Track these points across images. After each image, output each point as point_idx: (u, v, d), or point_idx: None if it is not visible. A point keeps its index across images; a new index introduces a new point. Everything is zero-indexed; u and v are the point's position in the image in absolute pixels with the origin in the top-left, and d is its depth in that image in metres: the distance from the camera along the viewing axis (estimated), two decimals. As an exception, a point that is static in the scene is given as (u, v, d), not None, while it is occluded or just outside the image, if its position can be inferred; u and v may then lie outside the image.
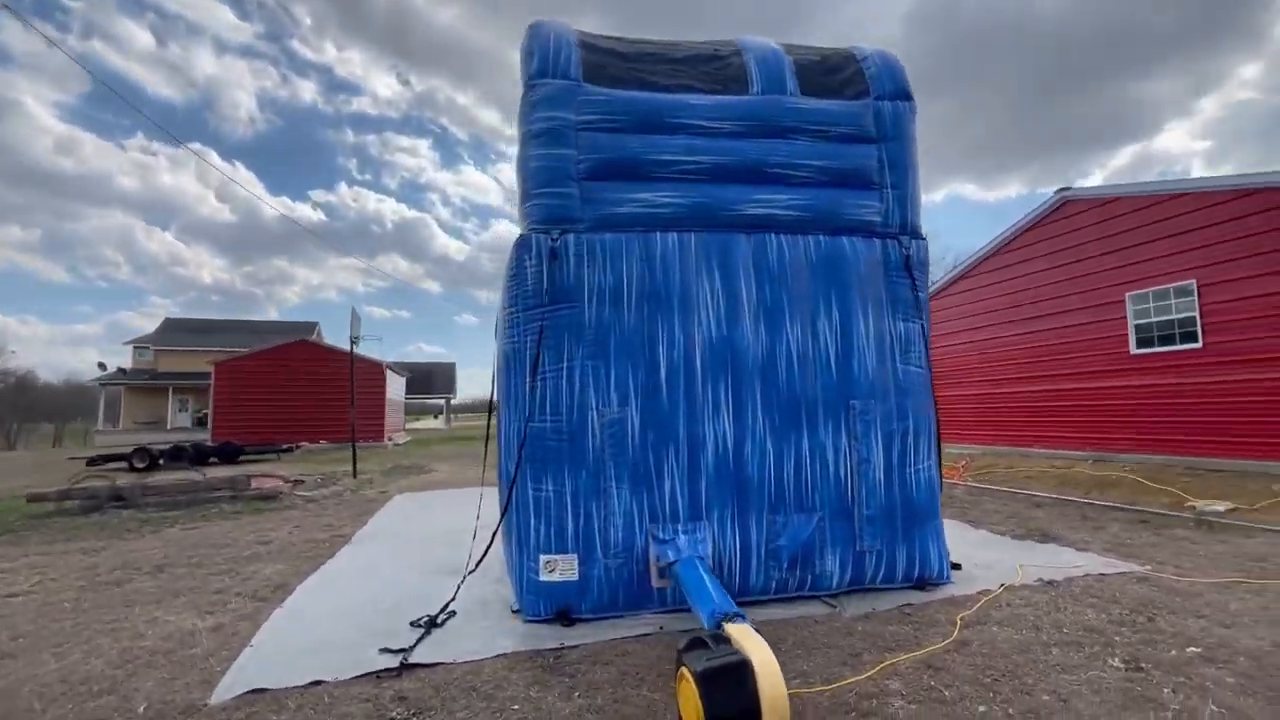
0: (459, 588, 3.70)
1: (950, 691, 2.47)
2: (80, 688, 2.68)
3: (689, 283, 3.56)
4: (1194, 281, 7.01)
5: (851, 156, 3.82)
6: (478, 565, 4.04)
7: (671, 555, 3.23)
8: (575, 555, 3.33)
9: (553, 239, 3.44)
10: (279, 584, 4.18)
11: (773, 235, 3.70)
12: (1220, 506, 5.65)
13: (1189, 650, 2.77)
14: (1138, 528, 5.35)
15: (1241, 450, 6.69)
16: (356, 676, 2.72)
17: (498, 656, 2.91)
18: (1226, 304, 6.79)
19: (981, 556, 4.37)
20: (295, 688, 2.63)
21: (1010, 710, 2.32)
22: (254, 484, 8.78)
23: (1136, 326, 7.68)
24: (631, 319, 3.48)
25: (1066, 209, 8.54)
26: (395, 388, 26.20)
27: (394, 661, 2.83)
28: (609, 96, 3.56)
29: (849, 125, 3.83)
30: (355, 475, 11.01)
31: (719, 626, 2.45)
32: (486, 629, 3.24)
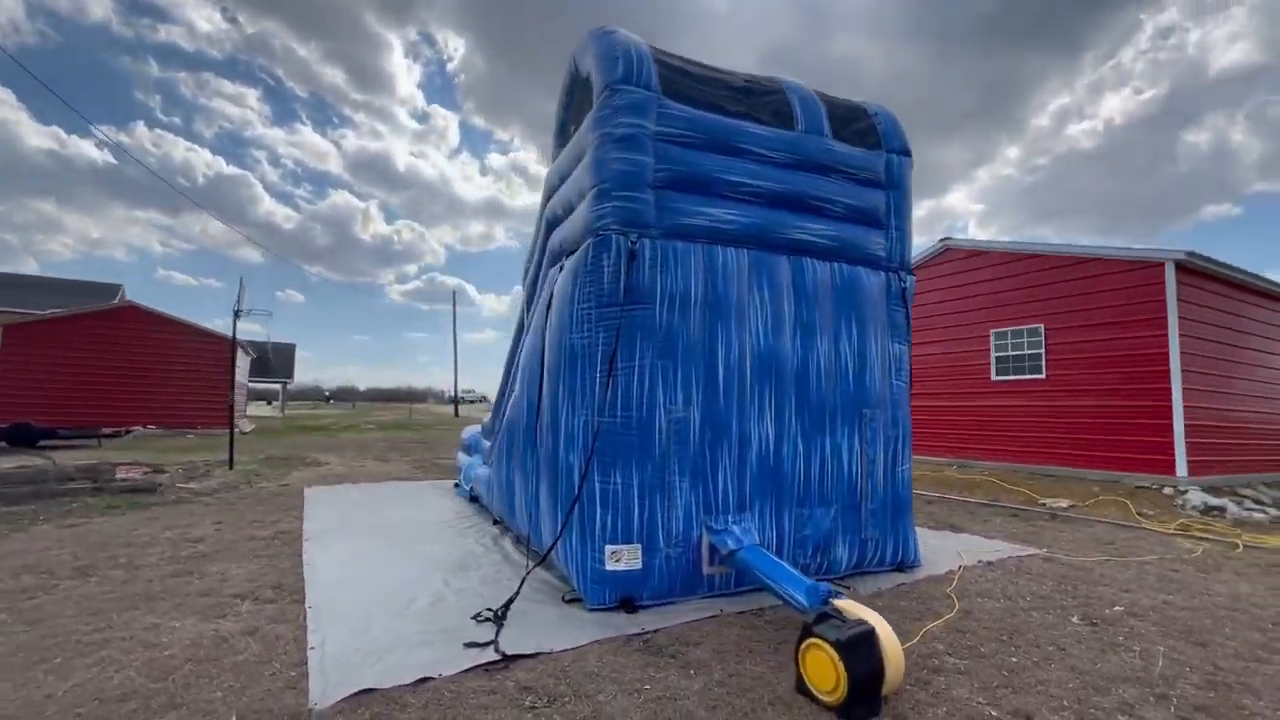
0: (523, 582, 3.62)
1: (984, 648, 3.06)
2: (128, 704, 2.32)
3: (742, 296, 3.88)
4: (1043, 325, 8.84)
5: (869, 198, 4.41)
6: (543, 559, 3.91)
7: (732, 544, 3.52)
8: (639, 545, 3.49)
9: (631, 241, 3.58)
10: (274, 584, 3.78)
11: (809, 260, 4.15)
12: (1063, 503, 7.19)
13: (1116, 609, 3.66)
14: (1011, 520, 6.63)
15: (1069, 460, 8.55)
16: (464, 671, 2.67)
17: (594, 643, 3.00)
18: (1063, 345, 8.65)
19: (922, 545, 5.21)
20: (404, 686, 2.52)
21: (1032, 659, 2.94)
22: (120, 474, 7.46)
23: (997, 358, 9.45)
24: (696, 324, 3.72)
25: (948, 254, 10.25)
26: (242, 369, 23.14)
27: (486, 655, 2.80)
28: (688, 114, 3.78)
29: (869, 171, 4.41)
30: (232, 466, 9.72)
31: (826, 601, 2.81)
32: (558, 619, 3.28)
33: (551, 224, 4.56)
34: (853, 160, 4.34)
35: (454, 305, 50.41)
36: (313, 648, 2.85)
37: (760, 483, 3.84)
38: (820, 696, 2.50)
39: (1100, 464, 8.22)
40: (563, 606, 3.47)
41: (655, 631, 3.19)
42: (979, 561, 4.70)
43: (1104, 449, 8.20)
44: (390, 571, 4.09)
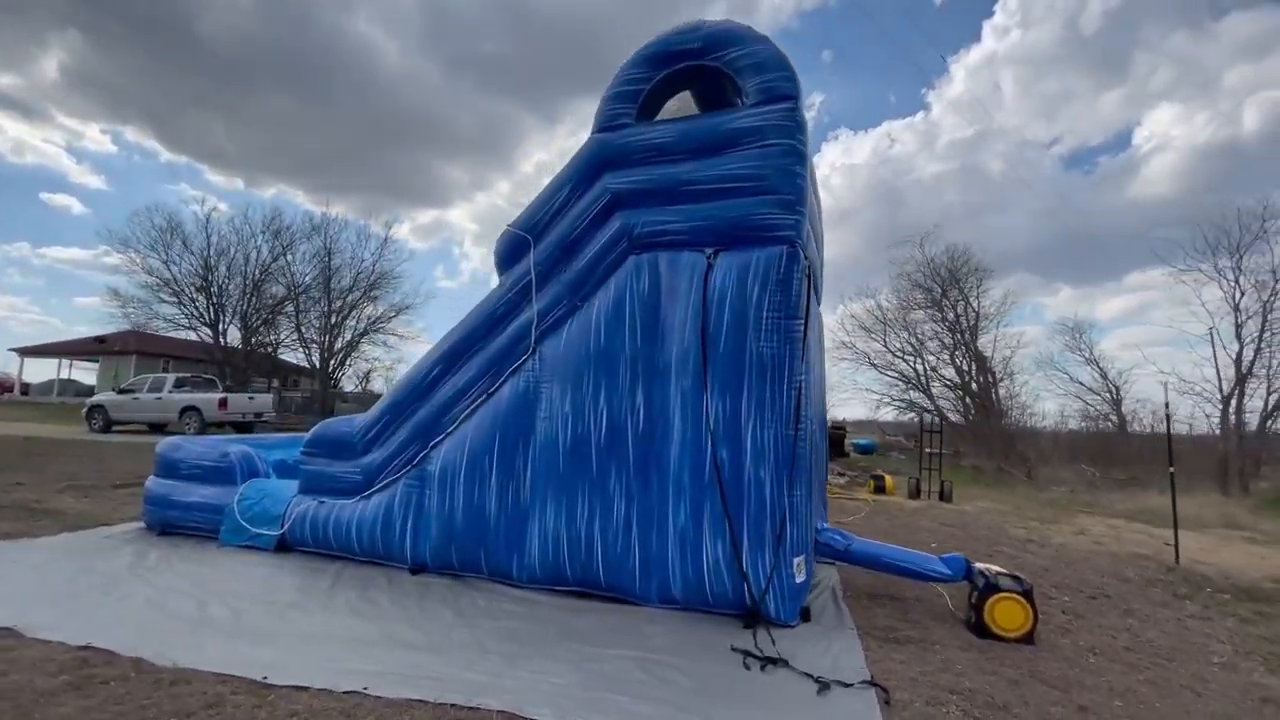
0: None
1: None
2: None
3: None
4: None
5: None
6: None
7: (843, 540, 3.99)
8: (804, 555, 3.58)
9: (806, 256, 3.66)
10: None
11: (817, 295, 4.94)
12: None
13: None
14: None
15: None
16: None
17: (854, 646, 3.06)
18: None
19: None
20: None
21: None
22: None
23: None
24: (811, 346, 4.02)
25: None
26: None
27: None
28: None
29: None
30: None
31: (969, 569, 3.73)
32: (812, 633, 3.08)
33: (628, 197, 3.89)
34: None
35: None
36: None
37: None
38: (1004, 634, 3.43)
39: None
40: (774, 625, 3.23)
41: (894, 628, 3.44)
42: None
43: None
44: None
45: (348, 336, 26.07)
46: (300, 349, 26.15)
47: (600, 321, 3.80)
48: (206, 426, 15.62)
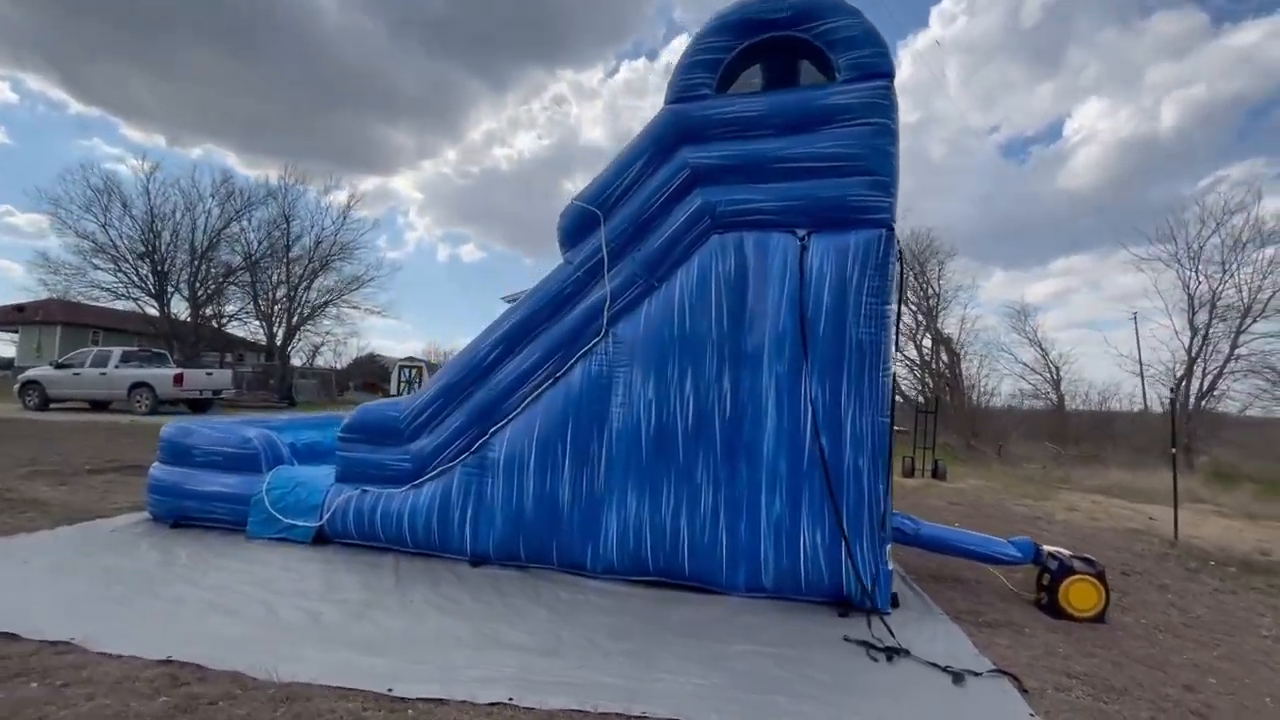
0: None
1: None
2: None
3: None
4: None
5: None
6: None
7: (912, 525, 4.01)
8: (891, 542, 3.57)
9: (899, 244, 3.59)
10: None
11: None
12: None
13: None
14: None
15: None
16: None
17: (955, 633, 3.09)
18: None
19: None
20: None
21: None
22: None
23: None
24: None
25: None
26: None
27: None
28: (901, 131, 3.97)
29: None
30: None
31: (1039, 551, 3.83)
32: (907, 620, 3.08)
33: (710, 173, 3.72)
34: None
35: None
36: None
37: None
38: (1077, 613, 3.54)
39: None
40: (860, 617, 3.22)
41: (984, 615, 3.48)
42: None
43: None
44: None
45: (307, 310, 24.70)
46: (257, 322, 24.65)
47: (684, 304, 3.64)
48: (159, 404, 14.61)
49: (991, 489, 9.15)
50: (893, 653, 2.81)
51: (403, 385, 37.88)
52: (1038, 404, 21.07)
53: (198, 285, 22.84)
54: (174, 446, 4.67)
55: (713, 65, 3.79)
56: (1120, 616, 3.70)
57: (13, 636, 2.59)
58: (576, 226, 3.97)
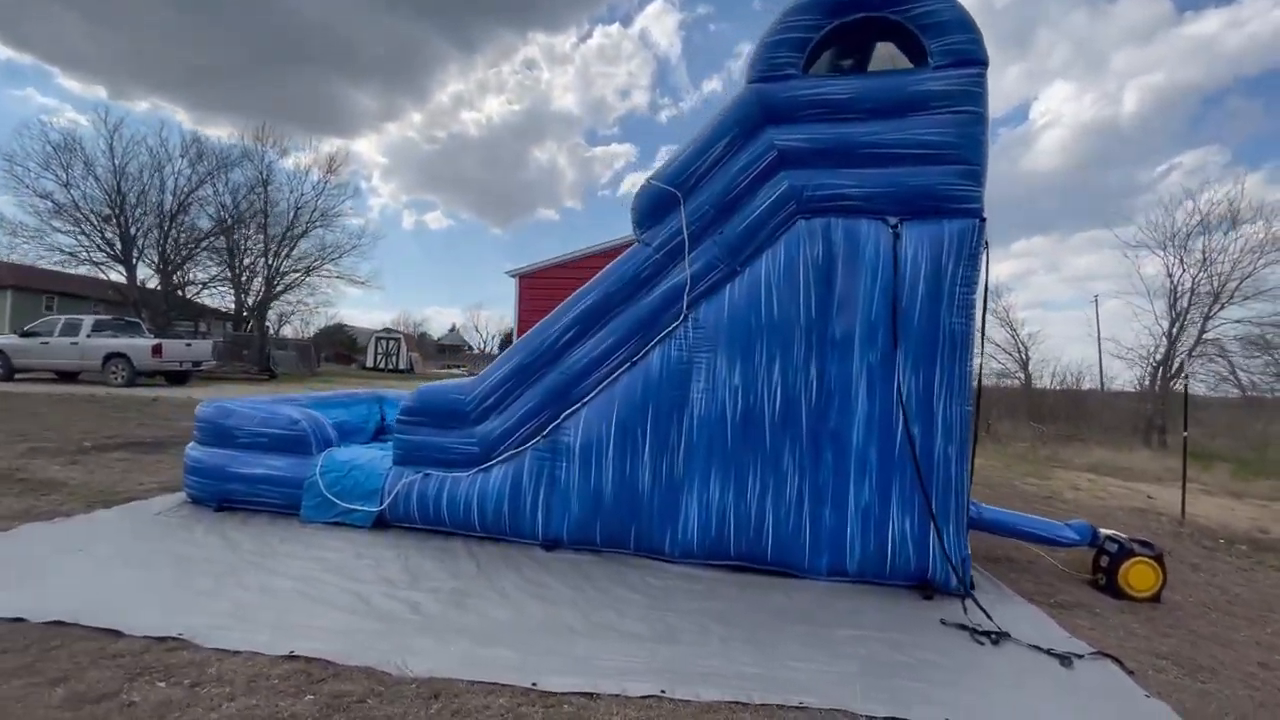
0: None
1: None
2: None
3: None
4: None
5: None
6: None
7: (974, 509, 4.11)
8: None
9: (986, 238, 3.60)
10: None
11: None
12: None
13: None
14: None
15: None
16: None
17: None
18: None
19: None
20: None
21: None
22: None
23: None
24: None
25: None
26: None
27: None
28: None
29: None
30: None
31: (1096, 534, 3.97)
32: (988, 602, 3.17)
33: (796, 156, 3.65)
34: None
35: None
36: None
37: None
38: (1136, 594, 3.71)
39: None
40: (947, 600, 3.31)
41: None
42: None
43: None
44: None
45: (288, 279, 23.71)
46: (232, 290, 23.56)
47: (771, 289, 3.60)
48: (136, 376, 13.99)
49: (994, 467, 9.46)
50: (997, 636, 2.90)
51: (379, 357, 37.23)
52: (1007, 383, 21.80)
53: (169, 250, 21.66)
54: (214, 428, 4.47)
55: (800, 44, 3.69)
56: (1169, 595, 3.87)
57: (114, 633, 2.46)
58: (653, 207, 3.87)
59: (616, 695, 2.21)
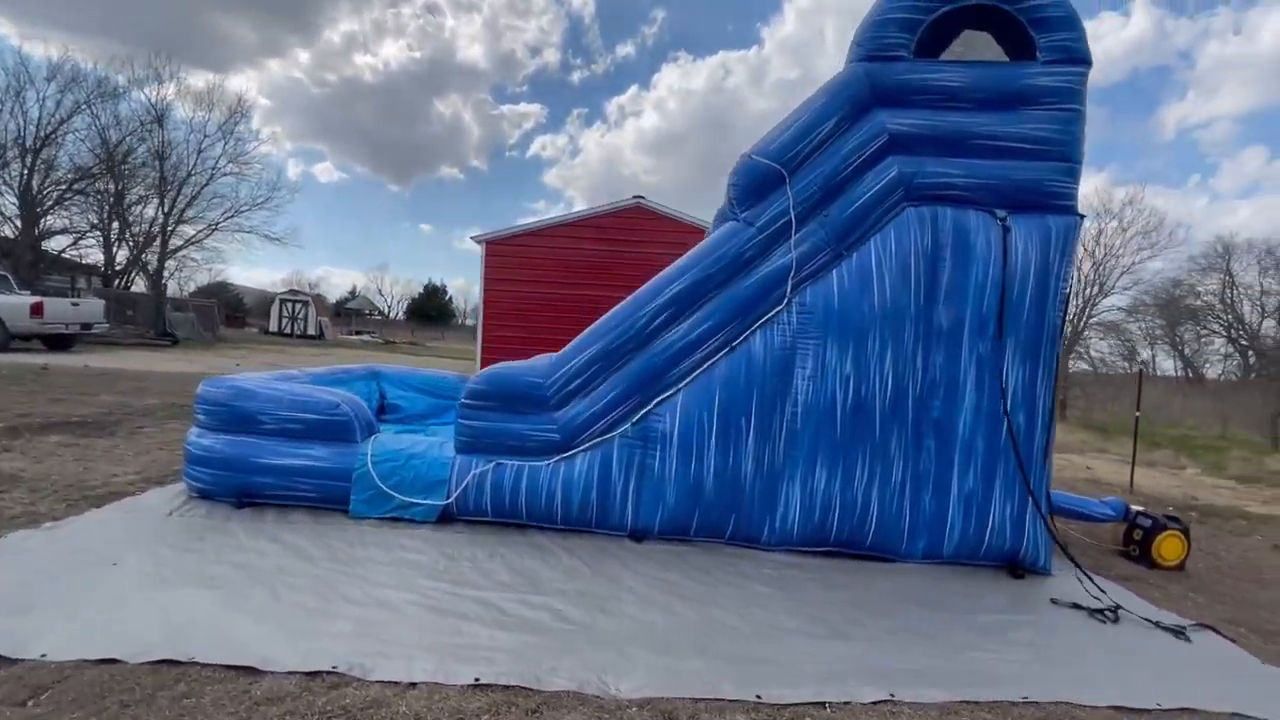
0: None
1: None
2: None
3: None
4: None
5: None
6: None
7: (1026, 489, 4.37)
8: (1038, 507, 3.87)
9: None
10: None
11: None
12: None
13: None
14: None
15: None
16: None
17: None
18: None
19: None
20: None
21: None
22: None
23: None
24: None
25: (636, 211, 11.48)
26: None
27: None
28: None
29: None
30: None
31: (1129, 510, 4.35)
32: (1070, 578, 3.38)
33: (907, 141, 3.59)
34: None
35: None
36: None
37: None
38: (1165, 564, 4.13)
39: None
40: (1049, 578, 3.50)
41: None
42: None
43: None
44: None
45: (189, 232, 20.84)
46: (113, 241, 20.37)
47: (883, 276, 3.56)
48: (10, 340, 11.94)
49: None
50: (1114, 614, 3.09)
51: (285, 320, 34.02)
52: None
53: (37, 191, 18.26)
54: (229, 412, 3.85)
55: (911, 26, 3.61)
56: (1188, 563, 4.34)
57: (250, 670, 2.06)
58: (755, 183, 3.69)
59: (846, 703, 2.14)
